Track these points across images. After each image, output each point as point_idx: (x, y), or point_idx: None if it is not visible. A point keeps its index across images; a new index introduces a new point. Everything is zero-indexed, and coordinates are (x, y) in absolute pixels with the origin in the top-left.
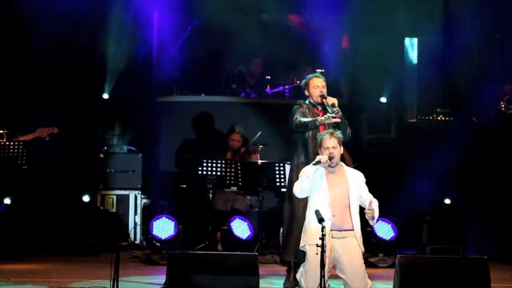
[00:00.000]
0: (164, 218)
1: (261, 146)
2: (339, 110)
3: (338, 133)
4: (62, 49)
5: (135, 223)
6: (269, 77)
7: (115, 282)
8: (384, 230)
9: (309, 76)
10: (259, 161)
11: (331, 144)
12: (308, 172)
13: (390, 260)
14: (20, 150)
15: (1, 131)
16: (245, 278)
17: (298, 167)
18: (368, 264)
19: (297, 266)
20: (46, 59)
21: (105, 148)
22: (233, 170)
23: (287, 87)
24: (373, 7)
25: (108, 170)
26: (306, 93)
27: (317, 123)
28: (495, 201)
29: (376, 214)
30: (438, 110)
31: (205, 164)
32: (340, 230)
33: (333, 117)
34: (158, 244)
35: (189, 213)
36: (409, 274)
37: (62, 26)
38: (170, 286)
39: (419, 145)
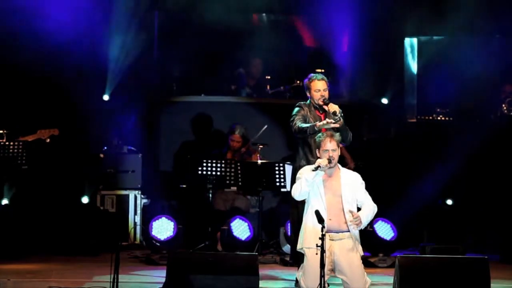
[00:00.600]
0: (163, 218)
1: (261, 146)
2: (341, 118)
3: (338, 136)
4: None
5: (135, 223)
6: (269, 77)
7: (115, 282)
8: (384, 230)
9: (311, 77)
10: (259, 161)
11: (331, 147)
12: (308, 176)
13: (390, 260)
14: (20, 150)
15: (1, 131)
16: (245, 278)
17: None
18: (368, 264)
19: None
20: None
21: (105, 148)
22: (233, 170)
23: (287, 87)
24: (373, 7)
25: (108, 170)
26: (308, 94)
27: (316, 129)
28: (496, 201)
29: (363, 221)
30: (438, 110)
31: (205, 164)
32: (337, 232)
33: (332, 123)
34: (158, 244)
35: (189, 213)
36: (409, 274)
37: (63, 26)
38: (170, 286)
39: (419, 145)
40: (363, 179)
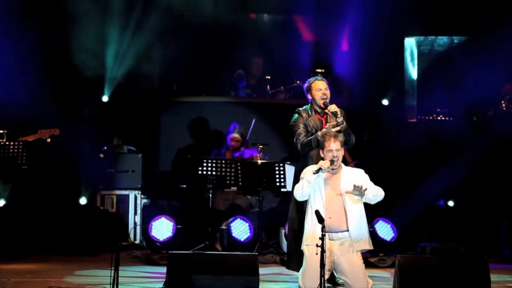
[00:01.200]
0: (163, 218)
1: (261, 146)
2: (343, 121)
3: (341, 136)
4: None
5: (135, 223)
6: (269, 77)
7: (115, 282)
8: (385, 231)
9: (311, 79)
10: (259, 161)
11: (335, 147)
12: (310, 178)
13: (390, 260)
14: (20, 150)
15: (1, 131)
16: (245, 278)
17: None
18: (368, 264)
19: None
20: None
21: (105, 148)
22: (233, 170)
23: (287, 87)
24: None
25: (108, 170)
26: (309, 96)
27: (319, 138)
28: (496, 202)
29: (368, 194)
30: (438, 110)
31: (205, 164)
32: (337, 232)
33: (333, 126)
34: (158, 244)
35: (189, 213)
36: (409, 274)
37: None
38: (170, 286)
39: (419, 145)
40: None
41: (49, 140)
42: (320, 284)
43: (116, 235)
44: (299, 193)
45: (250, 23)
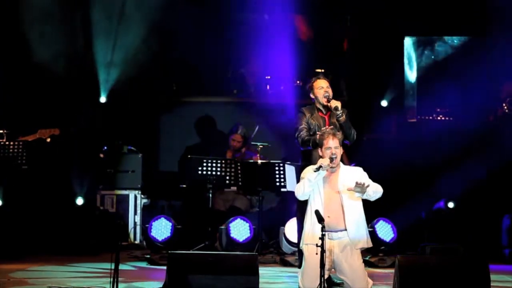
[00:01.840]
0: (162, 218)
1: (261, 146)
2: (343, 114)
3: (340, 134)
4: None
5: (135, 223)
6: (269, 77)
7: (115, 282)
8: (385, 231)
9: (312, 79)
10: (259, 161)
11: (334, 144)
12: (310, 177)
13: (390, 260)
14: (20, 150)
15: (1, 131)
16: (245, 278)
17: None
18: (368, 264)
19: None
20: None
21: (105, 148)
22: (233, 170)
23: (287, 87)
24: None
25: (108, 170)
26: (312, 95)
27: (317, 141)
28: (496, 202)
29: (369, 191)
30: (438, 110)
31: (205, 164)
32: (336, 231)
33: (331, 129)
34: (158, 244)
35: (189, 213)
36: (408, 274)
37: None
38: (170, 286)
39: (419, 145)
40: None
41: (48, 140)
42: (320, 284)
43: (116, 235)
44: (300, 192)
45: (250, 23)
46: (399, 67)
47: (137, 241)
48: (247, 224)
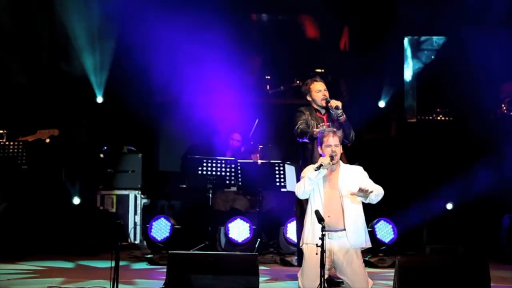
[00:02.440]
0: (162, 218)
1: (261, 146)
2: (343, 113)
3: (340, 132)
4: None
5: (135, 223)
6: (269, 77)
7: (115, 282)
8: (385, 232)
9: (309, 81)
10: (259, 161)
11: (334, 142)
12: (311, 175)
13: (390, 260)
14: (20, 150)
15: (1, 131)
16: (245, 278)
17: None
18: (368, 264)
19: None
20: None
21: (105, 148)
22: (233, 170)
23: (287, 87)
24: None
25: (108, 170)
26: (309, 98)
27: (314, 136)
28: (495, 202)
29: (371, 195)
30: (438, 110)
31: (205, 164)
32: (336, 231)
33: (328, 126)
34: (159, 245)
35: (189, 213)
36: (408, 274)
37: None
38: (170, 286)
39: (419, 145)
40: None
41: (48, 140)
42: (320, 284)
43: (116, 235)
44: (301, 191)
45: (250, 22)
46: (398, 67)
47: (137, 241)
48: (247, 225)
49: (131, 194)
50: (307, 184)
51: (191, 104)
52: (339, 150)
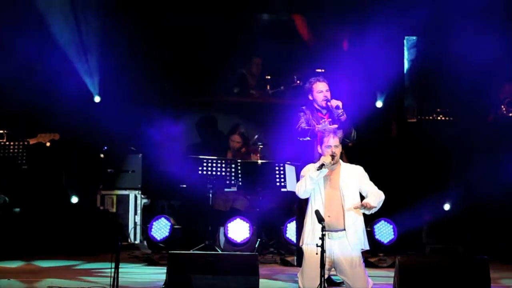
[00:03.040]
0: (162, 218)
1: (261, 146)
2: (344, 112)
3: (340, 132)
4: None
5: (135, 223)
6: (269, 77)
7: (115, 282)
8: (385, 232)
9: (312, 80)
10: (259, 161)
11: (334, 143)
12: (313, 175)
13: (390, 260)
14: (20, 150)
15: (1, 131)
16: (245, 278)
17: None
18: (368, 264)
19: None
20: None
21: (105, 148)
22: (233, 170)
23: (287, 87)
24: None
25: (108, 170)
26: (310, 97)
27: (315, 132)
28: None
29: (374, 205)
30: (438, 110)
31: (205, 164)
32: (336, 231)
33: (330, 123)
34: (160, 245)
35: (189, 213)
36: (409, 274)
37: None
38: (170, 286)
39: (419, 145)
40: None
41: (48, 144)
42: (320, 284)
43: (116, 235)
44: (302, 190)
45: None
46: (398, 67)
47: (137, 241)
48: (247, 225)
49: (131, 194)
50: (308, 184)
51: (192, 103)
52: (338, 150)
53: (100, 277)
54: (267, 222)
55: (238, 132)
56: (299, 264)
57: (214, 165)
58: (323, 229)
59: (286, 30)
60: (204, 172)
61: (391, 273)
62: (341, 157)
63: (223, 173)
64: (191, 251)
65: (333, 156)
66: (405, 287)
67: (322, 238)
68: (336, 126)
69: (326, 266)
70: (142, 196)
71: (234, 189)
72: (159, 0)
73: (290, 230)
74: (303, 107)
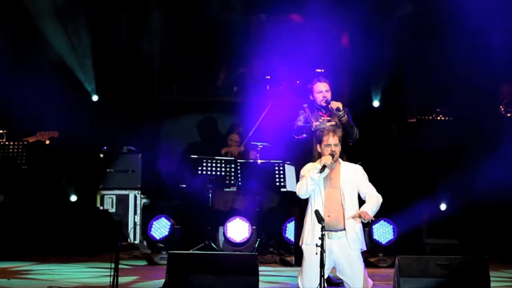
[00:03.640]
0: (163, 218)
1: (261, 146)
2: (345, 114)
3: (339, 131)
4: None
5: (134, 223)
6: (269, 77)
7: (115, 282)
8: (385, 232)
9: (313, 80)
10: (259, 161)
11: (333, 141)
12: (314, 176)
13: (390, 260)
14: (20, 150)
15: (1, 131)
16: (245, 278)
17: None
18: (368, 264)
19: None
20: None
21: (105, 148)
22: (233, 170)
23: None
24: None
25: (108, 170)
26: (311, 97)
27: (312, 129)
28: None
29: (371, 214)
30: (438, 110)
31: (205, 164)
32: (336, 231)
33: (328, 121)
34: (159, 244)
35: (189, 213)
36: (409, 274)
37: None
38: (170, 286)
39: (419, 145)
40: None
41: (48, 142)
42: (320, 284)
43: (116, 235)
44: (303, 191)
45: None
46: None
47: (137, 241)
48: (246, 224)
49: (131, 194)
50: (309, 184)
51: (192, 103)
52: (338, 149)
53: (100, 277)
54: (267, 222)
55: (236, 131)
56: (297, 263)
57: (214, 165)
58: (322, 229)
59: (286, 30)
60: (204, 172)
61: (391, 273)
62: (341, 156)
63: (223, 173)
64: (190, 251)
65: (333, 155)
66: (405, 287)
67: (322, 238)
68: (334, 122)
69: (326, 266)
70: (142, 196)
71: (234, 189)
72: (159, 0)
73: (290, 230)
74: (304, 105)
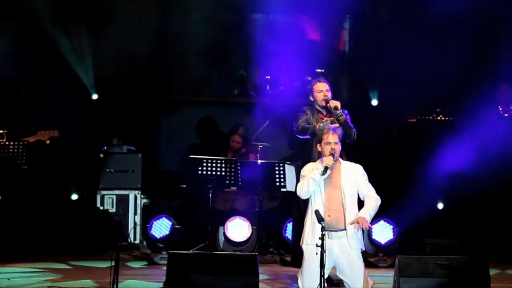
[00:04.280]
0: (164, 218)
1: (261, 146)
2: (342, 113)
3: (340, 130)
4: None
5: (135, 223)
6: (269, 77)
7: (115, 282)
8: (384, 232)
9: (313, 81)
10: (259, 161)
11: (334, 140)
12: (315, 176)
13: (390, 260)
14: (20, 150)
15: (1, 131)
16: (245, 278)
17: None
18: (368, 264)
19: None
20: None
21: (105, 148)
22: (233, 170)
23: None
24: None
25: (108, 170)
26: (311, 98)
27: (316, 131)
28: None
29: (369, 220)
30: (438, 110)
31: (205, 164)
32: (336, 230)
33: (331, 122)
34: (159, 244)
35: (189, 213)
36: (409, 274)
37: None
38: (170, 286)
39: (419, 145)
40: None
41: (48, 141)
42: (320, 284)
43: (116, 235)
44: (304, 191)
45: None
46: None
47: (137, 241)
48: (246, 224)
49: (131, 194)
50: (310, 185)
51: (192, 103)
52: (338, 148)
53: (100, 277)
54: (267, 222)
55: (239, 132)
56: (295, 263)
57: (214, 165)
58: (323, 229)
59: (286, 30)
60: (204, 172)
61: (391, 273)
62: (341, 156)
63: (223, 173)
64: (191, 251)
65: (333, 155)
66: (405, 287)
67: (322, 238)
68: (337, 125)
69: (326, 266)
70: (142, 196)
71: (234, 189)
72: (160, 1)
73: (290, 230)
74: (304, 107)
